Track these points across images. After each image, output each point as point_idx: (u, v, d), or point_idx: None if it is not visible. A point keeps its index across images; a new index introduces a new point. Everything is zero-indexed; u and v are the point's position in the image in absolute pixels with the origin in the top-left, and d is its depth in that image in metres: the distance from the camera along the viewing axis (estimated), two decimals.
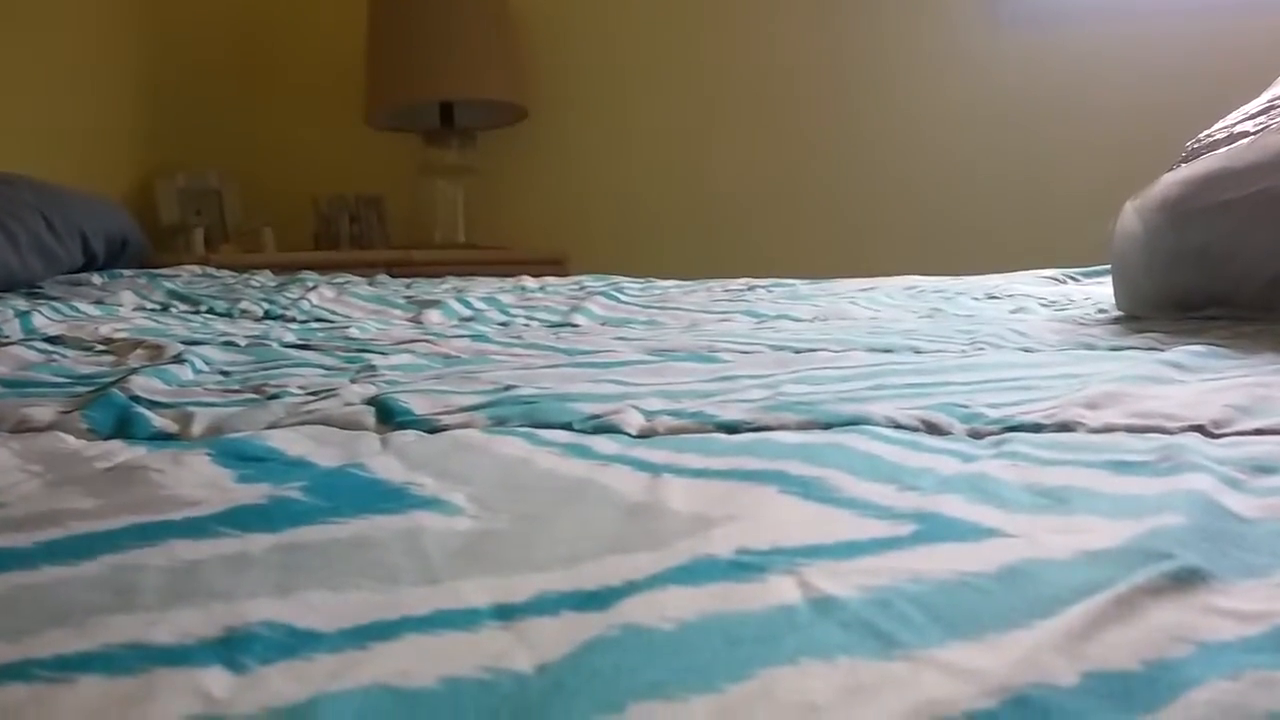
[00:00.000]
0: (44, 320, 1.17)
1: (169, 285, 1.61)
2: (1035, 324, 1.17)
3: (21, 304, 1.30)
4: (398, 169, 2.84)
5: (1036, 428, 0.60)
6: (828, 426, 0.61)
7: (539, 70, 2.78)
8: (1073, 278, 1.77)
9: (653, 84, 2.79)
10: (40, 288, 1.58)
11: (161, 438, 0.63)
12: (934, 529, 0.41)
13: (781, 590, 0.35)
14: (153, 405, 0.69)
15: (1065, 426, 0.60)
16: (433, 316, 1.34)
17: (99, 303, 1.38)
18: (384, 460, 0.54)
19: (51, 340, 1.04)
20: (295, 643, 0.32)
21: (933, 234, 2.62)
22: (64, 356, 0.96)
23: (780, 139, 2.72)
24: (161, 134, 2.74)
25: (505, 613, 0.34)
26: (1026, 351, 0.96)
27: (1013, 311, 1.36)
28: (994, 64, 2.61)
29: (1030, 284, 1.70)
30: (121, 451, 0.57)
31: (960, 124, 2.62)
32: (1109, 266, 1.63)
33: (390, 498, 0.47)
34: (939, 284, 1.73)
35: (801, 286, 1.73)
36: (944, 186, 2.64)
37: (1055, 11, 2.61)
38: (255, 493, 0.48)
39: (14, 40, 2.25)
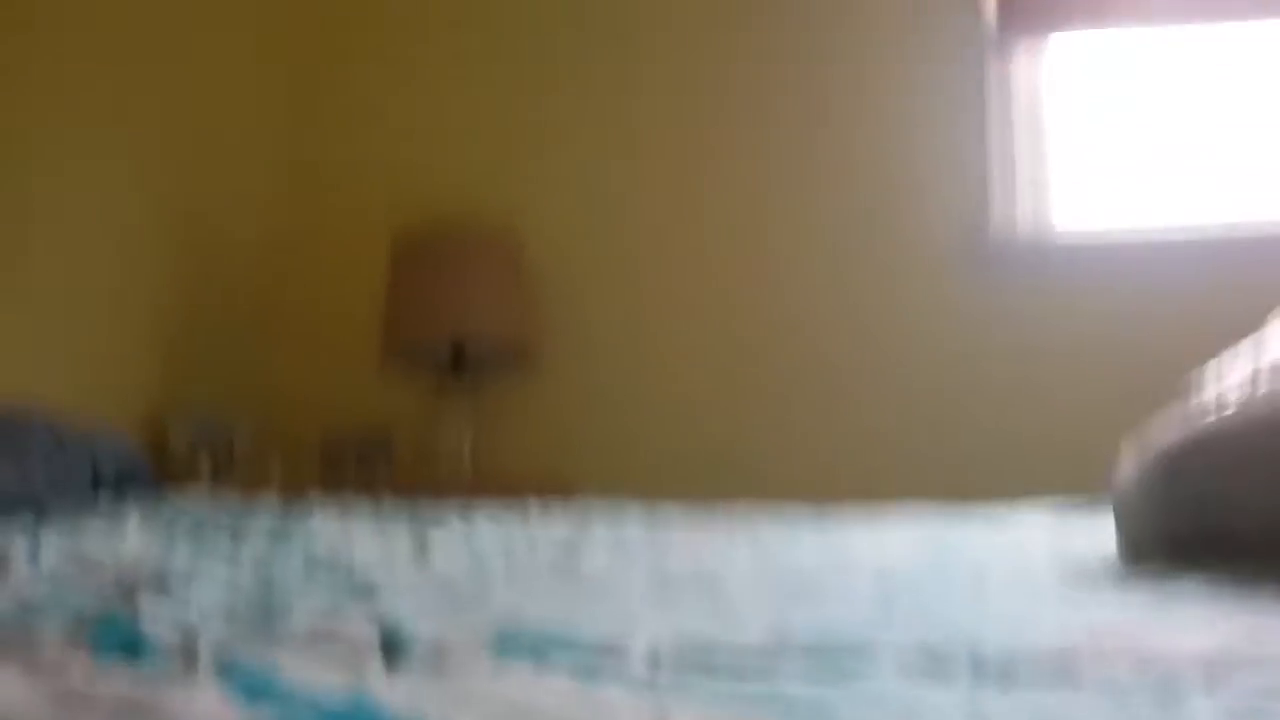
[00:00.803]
0: (51, 545, 1.18)
1: (175, 514, 1.61)
2: (1037, 561, 1.17)
3: (28, 528, 1.31)
4: (407, 407, 2.88)
5: (1034, 671, 0.60)
6: (832, 661, 0.61)
7: (550, 313, 2.86)
8: (1071, 512, 1.78)
9: (665, 328, 2.85)
10: (47, 512, 1.58)
11: (168, 665, 0.63)
12: None
13: None
14: (159, 632, 0.69)
15: (1063, 670, 0.60)
16: (435, 542, 1.34)
17: (106, 529, 1.39)
18: (390, 692, 0.54)
19: (57, 566, 1.05)
20: None
21: (931, 463, 2.64)
22: (69, 583, 0.96)
23: (782, 381, 2.77)
24: (176, 365, 2.78)
25: None
26: (1029, 588, 0.96)
27: (1013, 547, 1.36)
28: (979, 304, 2.69)
29: (1032, 518, 1.70)
30: (129, 681, 0.57)
31: (953, 360, 2.68)
32: (1108, 503, 1.65)
33: None
34: (941, 515, 1.73)
35: (805, 518, 1.73)
36: (939, 420, 2.68)
37: (1045, 251, 2.72)
38: None
39: (42, 265, 2.33)
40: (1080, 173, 2.80)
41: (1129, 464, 1.20)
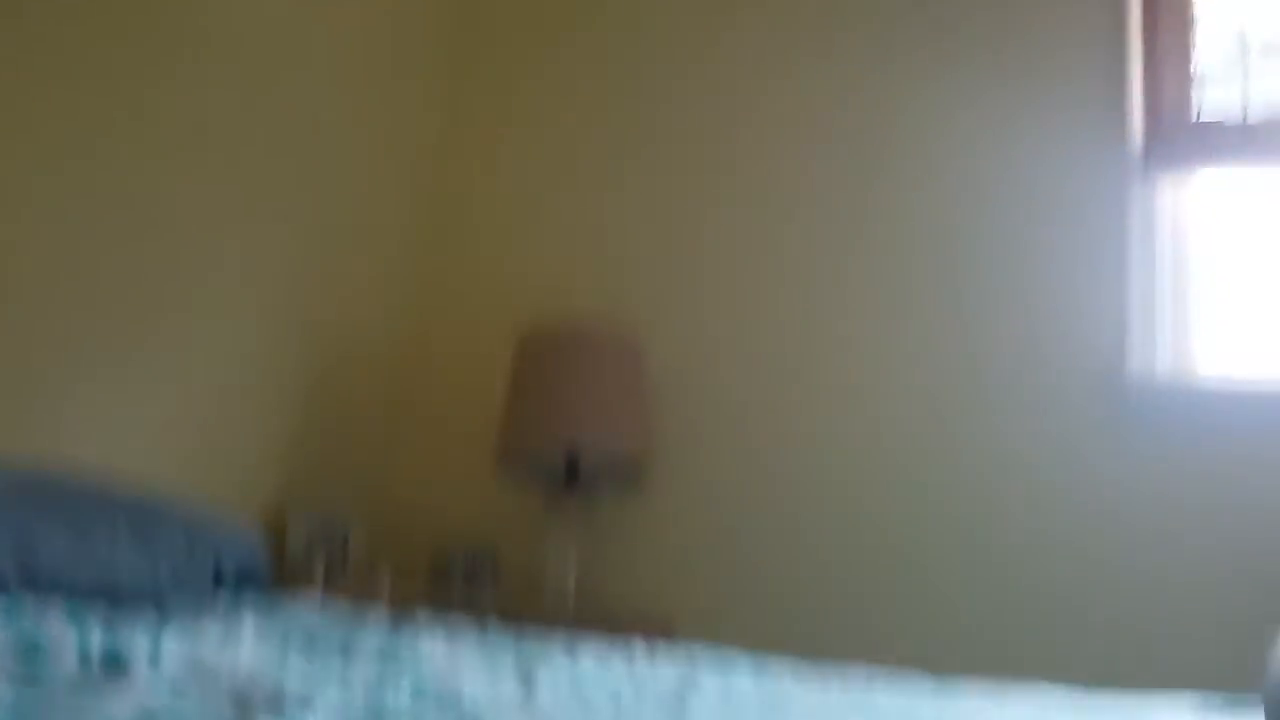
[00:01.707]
0: (171, 650, 1.18)
1: (289, 622, 1.62)
2: None
3: (149, 625, 1.32)
4: (518, 520, 2.87)
5: None
6: None
7: (667, 428, 2.82)
8: (1218, 708, 1.65)
9: (787, 456, 2.78)
10: (168, 605, 1.61)
11: None
12: None
13: None
14: None
15: None
16: (541, 680, 1.31)
17: (223, 634, 1.40)
18: None
19: (177, 674, 1.05)
20: None
21: (1064, 637, 2.50)
22: (188, 694, 0.96)
23: (906, 531, 2.68)
24: (299, 465, 2.83)
25: None
26: None
27: None
28: (1124, 472, 2.56)
29: (1170, 711, 1.59)
30: None
31: (1092, 531, 2.55)
32: (1259, 697, 1.53)
33: None
34: (1072, 702, 1.63)
35: (925, 690, 1.65)
36: (1077, 591, 2.54)
37: (1194, 417, 2.57)
38: None
39: (181, 356, 2.42)
40: (1224, 314, 2.66)
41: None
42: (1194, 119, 2.68)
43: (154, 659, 1.10)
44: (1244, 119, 2.64)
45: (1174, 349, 2.65)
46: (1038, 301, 2.68)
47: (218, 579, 1.87)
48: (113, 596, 1.51)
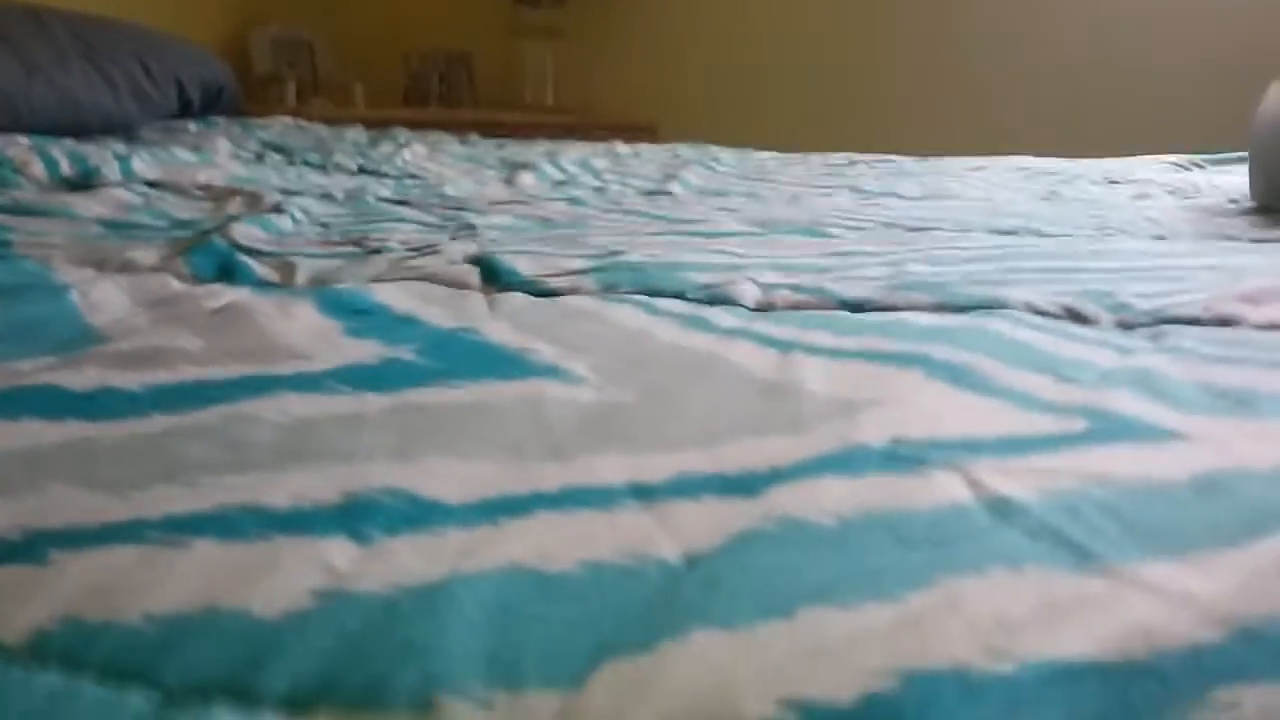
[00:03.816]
0: (142, 164, 1.16)
1: (263, 135, 1.59)
2: (1165, 211, 1.10)
3: (120, 147, 1.29)
4: (488, 28, 2.76)
5: (1193, 321, 0.56)
6: (962, 310, 0.57)
7: None
8: (1197, 164, 1.67)
9: None
10: (137, 132, 1.57)
11: (265, 286, 0.61)
12: (1108, 428, 0.37)
13: (949, 488, 0.31)
14: (254, 253, 0.67)
15: (1225, 321, 0.56)
16: (526, 179, 1.30)
17: (195, 149, 1.37)
18: (495, 323, 0.52)
19: (150, 184, 1.03)
20: (420, 514, 0.30)
21: (1043, 113, 2.49)
22: (163, 201, 0.95)
23: (885, 12, 2.59)
24: None
25: (643, 493, 0.32)
26: (1162, 240, 0.90)
27: (1136, 197, 1.28)
28: None
29: (1151, 169, 1.60)
30: (227, 294, 0.55)
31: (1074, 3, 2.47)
32: (1238, 154, 1.54)
33: (507, 363, 0.45)
34: (1052, 165, 1.64)
35: (906, 163, 1.65)
36: (1055, 62, 2.50)
37: None
38: (366, 350, 0.46)
39: None
40: None
41: (1276, 104, 1.09)
42: None
43: (126, 174, 1.08)
44: None
45: None
46: None
47: (185, 107, 1.81)
48: (76, 130, 1.46)
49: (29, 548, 0.28)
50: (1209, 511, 0.30)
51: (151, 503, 0.30)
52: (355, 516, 0.30)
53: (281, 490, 0.31)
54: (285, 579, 0.26)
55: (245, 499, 0.31)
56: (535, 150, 1.67)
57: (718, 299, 0.60)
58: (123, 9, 1.92)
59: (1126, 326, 0.56)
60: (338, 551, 0.28)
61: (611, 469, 0.33)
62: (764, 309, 0.59)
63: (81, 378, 0.40)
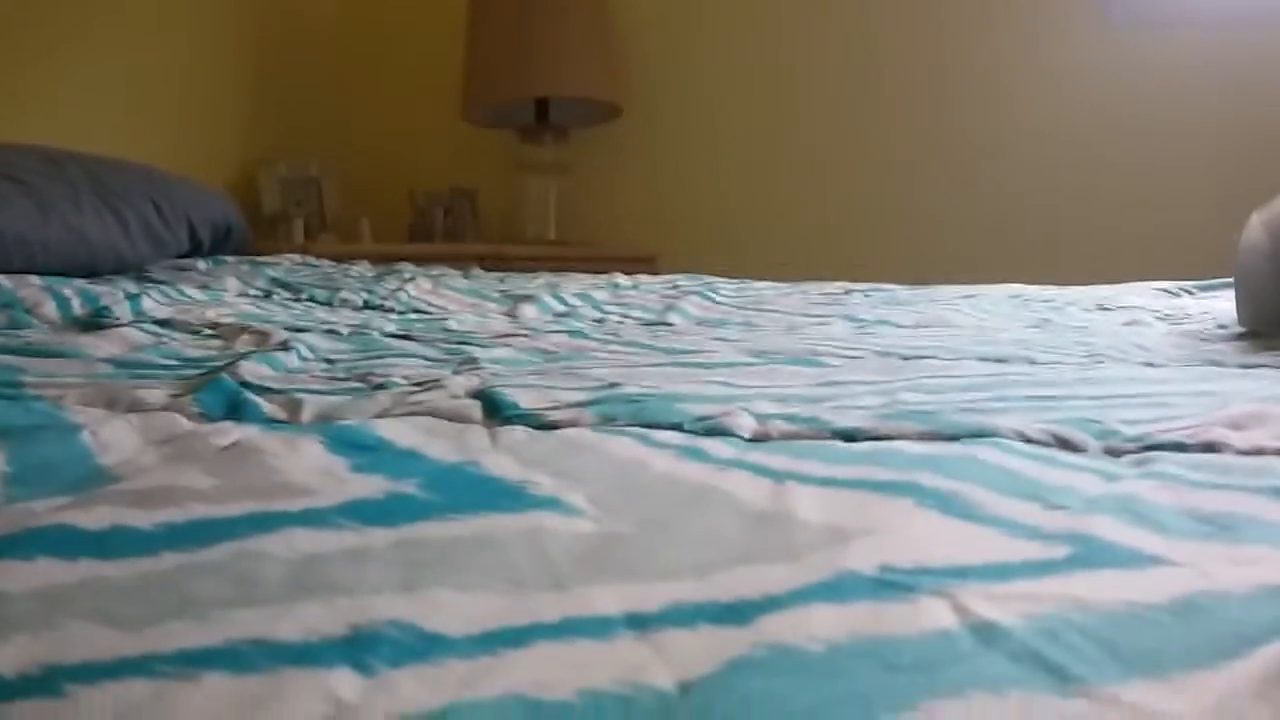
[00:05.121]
0: (152, 303, 1.19)
1: (271, 273, 1.63)
2: (1154, 338, 1.13)
3: (131, 287, 1.32)
4: (492, 164, 2.85)
5: (1179, 447, 0.57)
6: (953, 438, 0.59)
7: (633, 68, 2.76)
8: (1187, 291, 1.71)
9: (748, 84, 2.76)
10: (148, 271, 1.61)
11: (272, 423, 0.62)
12: (1091, 553, 0.38)
13: (935, 614, 0.32)
14: (262, 391, 0.69)
15: (1210, 447, 0.57)
16: (528, 311, 1.33)
17: (204, 288, 1.40)
18: (497, 457, 0.53)
19: (160, 323, 1.06)
20: (424, 646, 0.31)
21: (1036, 242, 2.55)
22: (172, 339, 0.97)
23: (879, 142, 2.68)
24: (265, 124, 2.79)
25: (638, 622, 0.33)
26: (1150, 366, 0.91)
27: (1126, 324, 1.31)
28: (1105, 67, 2.53)
29: (1142, 296, 1.64)
30: (235, 431, 0.57)
31: (1066, 129, 2.55)
32: (1226, 280, 1.57)
33: (508, 496, 0.46)
34: (1044, 293, 1.68)
35: (900, 291, 1.69)
36: (1049, 194, 2.57)
37: (1171, 13, 2.52)
38: (371, 485, 0.47)
39: (127, 31, 2.30)
40: None
41: (1257, 233, 1.13)
42: None
43: (136, 313, 1.11)
44: None
45: None
46: None
47: (196, 246, 1.86)
48: (88, 270, 1.50)
49: (47, 682, 0.29)
50: (1187, 634, 0.31)
51: (163, 637, 0.31)
52: (360, 648, 0.31)
53: (289, 624, 0.32)
54: (292, 710, 0.27)
55: (254, 633, 0.32)
56: (537, 282, 1.71)
57: (714, 430, 0.61)
58: (136, 151, 1.99)
59: (1114, 453, 0.57)
60: (343, 683, 0.29)
61: (608, 599, 0.34)
62: (759, 439, 0.60)
63: (94, 517, 0.42)
